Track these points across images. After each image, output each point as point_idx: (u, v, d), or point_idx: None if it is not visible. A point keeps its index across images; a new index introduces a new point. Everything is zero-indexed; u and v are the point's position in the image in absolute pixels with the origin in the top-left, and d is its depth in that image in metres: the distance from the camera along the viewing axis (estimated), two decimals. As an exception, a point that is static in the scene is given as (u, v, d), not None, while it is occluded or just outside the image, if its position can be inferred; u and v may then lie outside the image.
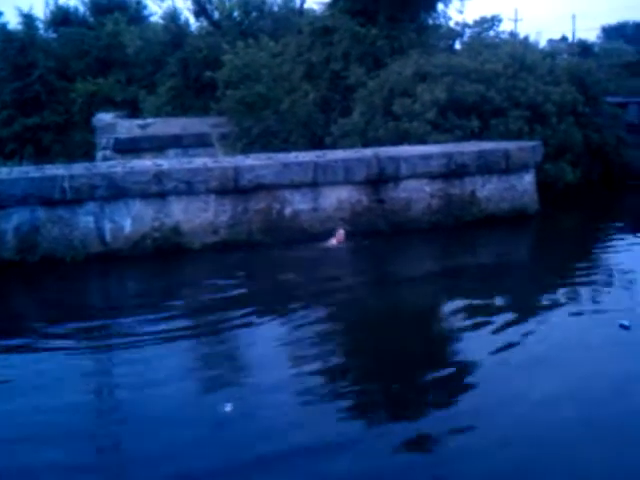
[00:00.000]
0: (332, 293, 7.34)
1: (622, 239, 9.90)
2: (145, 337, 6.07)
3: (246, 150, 14.35)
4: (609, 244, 9.61)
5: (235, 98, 16.88)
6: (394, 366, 5.46)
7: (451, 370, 5.42)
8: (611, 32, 60.76)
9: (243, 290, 7.49)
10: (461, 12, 18.00)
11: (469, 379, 5.19)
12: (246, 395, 4.98)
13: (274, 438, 4.33)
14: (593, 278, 7.86)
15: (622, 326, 6.02)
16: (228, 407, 4.69)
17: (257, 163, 9.46)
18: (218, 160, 10.36)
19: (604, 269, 8.34)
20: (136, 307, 7.00)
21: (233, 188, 9.16)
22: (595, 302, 6.96)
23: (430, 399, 4.96)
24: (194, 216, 9.05)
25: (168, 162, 10.17)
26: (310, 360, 5.54)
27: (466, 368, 5.40)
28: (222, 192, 9.13)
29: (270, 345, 5.88)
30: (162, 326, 6.32)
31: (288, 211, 9.44)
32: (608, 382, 5.07)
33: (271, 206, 9.37)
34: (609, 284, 7.53)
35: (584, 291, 7.34)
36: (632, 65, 22.00)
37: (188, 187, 8.95)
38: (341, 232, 9.20)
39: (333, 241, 9.14)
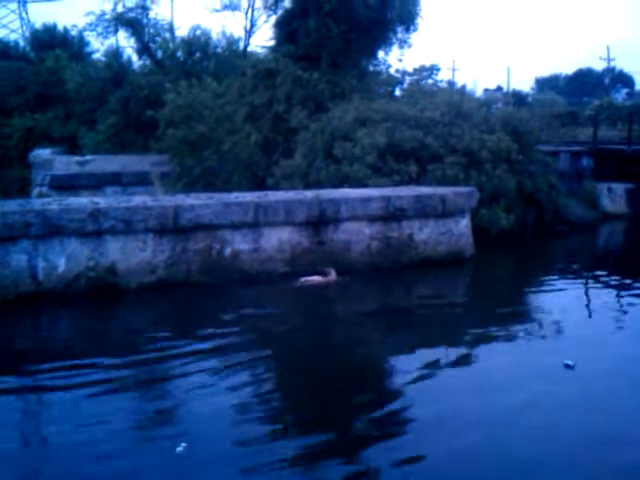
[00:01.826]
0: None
1: (551, 282, 10.20)
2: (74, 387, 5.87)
3: (187, 189, 14.28)
4: (540, 287, 9.91)
5: (177, 137, 16.87)
6: (333, 408, 5.46)
7: (386, 407, 5.45)
8: (544, 83, 63.81)
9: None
10: (400, 60, 18.46)
11: (405, 413, 5.26)
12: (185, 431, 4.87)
13: None
14: (525, 319, 8.05)
15: (567, 366, 6.16)
16: (181, 447, 4.60)
17: (197, 202, 9.41)
18: (157, 199, 10.26)
19: (535, 310, 8.58)
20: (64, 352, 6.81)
21: (172, 227, 9.07)
22: (528, 342, 7.11)
23: (371, 435, 4.98)
24: (131, 255, 8.90)
25: (105, 200, 10.00)
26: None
27: (397, 400, 5.50)
28: (161, 231, 9.03)
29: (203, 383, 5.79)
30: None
31: (228, 251, 9.39)
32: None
33: (211, 246, 9.31)
34: (540, 325, 7.72)
35: (516, 331, 7.49)
36: (563, 116, 23.08)
37: (126, 226, 8.81)
38: (332, 272, 9.35)
39: (317, 278, 9.27)
